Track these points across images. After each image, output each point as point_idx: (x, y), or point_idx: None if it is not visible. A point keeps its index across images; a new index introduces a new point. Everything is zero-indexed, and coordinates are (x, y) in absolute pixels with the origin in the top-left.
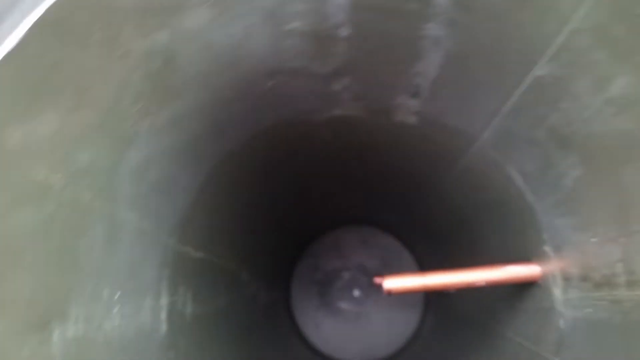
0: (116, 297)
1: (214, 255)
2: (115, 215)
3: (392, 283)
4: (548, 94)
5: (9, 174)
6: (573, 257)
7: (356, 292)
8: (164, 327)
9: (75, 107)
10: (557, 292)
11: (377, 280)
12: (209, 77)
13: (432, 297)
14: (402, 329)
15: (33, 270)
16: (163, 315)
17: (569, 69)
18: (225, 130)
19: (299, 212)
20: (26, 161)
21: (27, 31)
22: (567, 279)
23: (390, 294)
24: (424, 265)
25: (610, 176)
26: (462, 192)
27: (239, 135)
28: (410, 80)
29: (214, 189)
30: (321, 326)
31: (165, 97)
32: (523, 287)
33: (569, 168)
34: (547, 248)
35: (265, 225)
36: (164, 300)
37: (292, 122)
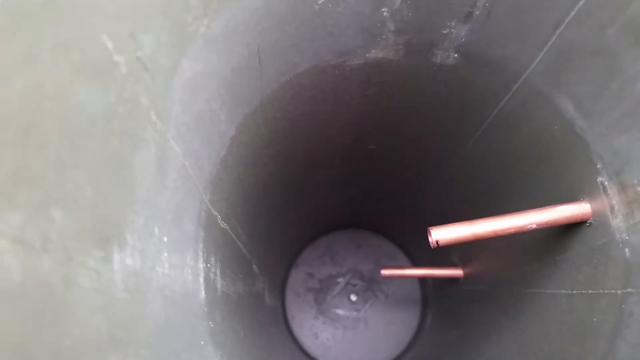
0: (165, 240)
1: (234, 232)
2: (165, 141)
3: (441, 233)
4: None
5: (77, 35)
6: None
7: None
8: (202, 293)
9: None
10: (618, 222)
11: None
12: None
13: (430, 293)
14: (402, 329)
15: (93, 165)
16: (201, 279)
17: None
18: (266, 64)
19: (305, 201)
20: (93, 28)
21: None
22: (631, 201)
23: (438, 245)
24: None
25: None
26: (491, 151)
27: (277, 73)
28: None
29: (241, 150)
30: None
31: None
32: (563, 235)
33: None
34: (601, 179)
35: (274, 213)
36: (201, 265)
37: (327, 66)
